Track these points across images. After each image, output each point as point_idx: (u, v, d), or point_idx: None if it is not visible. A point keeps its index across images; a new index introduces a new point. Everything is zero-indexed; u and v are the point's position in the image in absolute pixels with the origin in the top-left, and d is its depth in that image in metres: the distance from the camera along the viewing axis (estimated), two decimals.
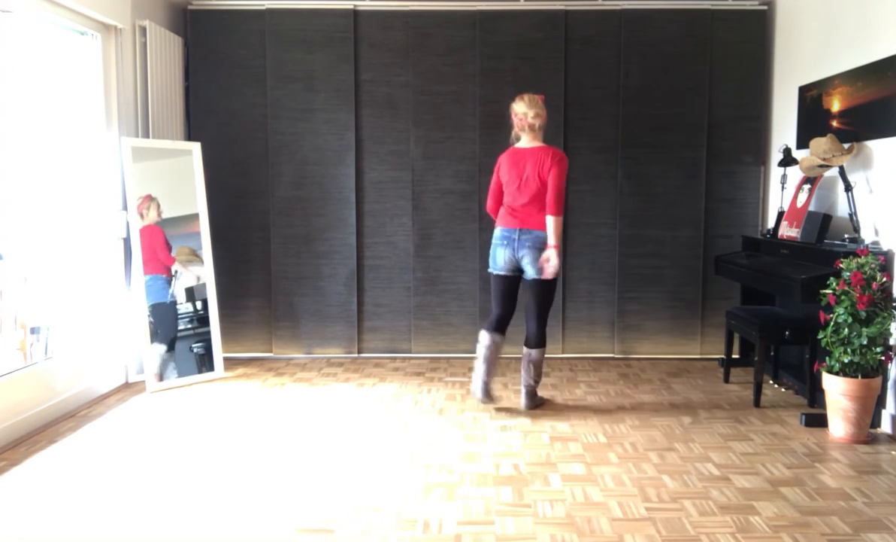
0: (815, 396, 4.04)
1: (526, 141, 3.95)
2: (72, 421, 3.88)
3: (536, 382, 4.09)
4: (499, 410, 4.08)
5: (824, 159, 4.03)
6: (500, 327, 4.05)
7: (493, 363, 4.03)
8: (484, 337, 4.02)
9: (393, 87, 5.18)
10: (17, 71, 3.74)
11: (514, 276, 4.03)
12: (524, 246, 3.90)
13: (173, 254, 4.62)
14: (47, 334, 3.98)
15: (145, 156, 4.55)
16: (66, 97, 4.19)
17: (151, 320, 4.50)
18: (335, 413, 4.02)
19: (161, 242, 4.56)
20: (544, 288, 3.96)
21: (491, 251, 4.04)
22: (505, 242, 3.95)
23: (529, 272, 3.94)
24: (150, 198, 4.51)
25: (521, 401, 4.14)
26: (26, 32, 3.78)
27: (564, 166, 3.89)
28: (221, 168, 5.16)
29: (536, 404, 4.13)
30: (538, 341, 4.02)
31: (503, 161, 4.00)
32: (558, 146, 5.12)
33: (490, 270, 4.08)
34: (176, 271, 4.63)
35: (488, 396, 4.02)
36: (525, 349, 4.06)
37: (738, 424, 3.85)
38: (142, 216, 4.50)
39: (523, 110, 3.91)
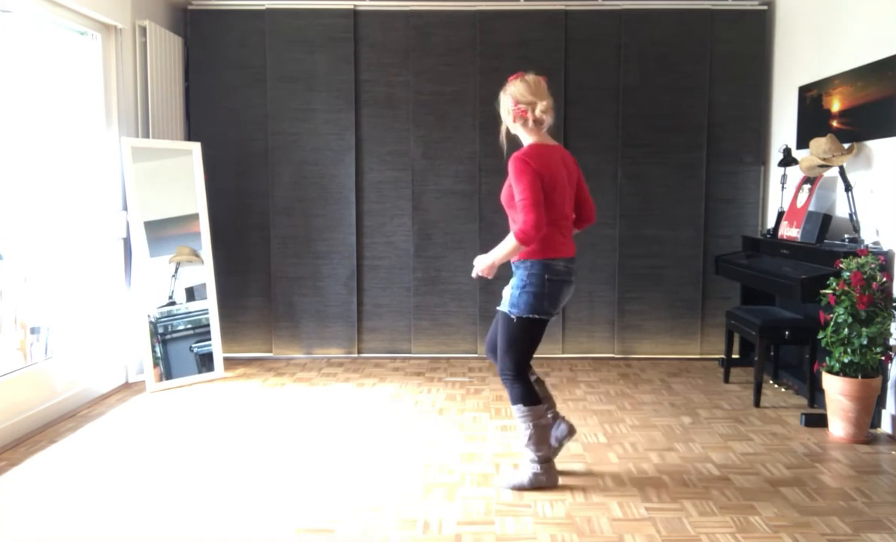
0: (815, 396, 4.04)
1: (545, 136, 2.97)
2: (72, 421, 3.88)
3: (530, 450, 2.98)
4: (498, 410, 4.08)
5: (824, 159, 4.03)
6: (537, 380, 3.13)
7: (552, 406, 3.13)
8: (536, 411, 2.97)
9: (393, 87, 5.18)
10: (17, 71, 3.74)
11: None
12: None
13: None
14: (47, 334, 3.98)
15: (145, 156, 4.55)
16: (66, 97, 4.19)
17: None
18: (335, 413, 4.02)
19: None
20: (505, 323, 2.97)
21: (544, 291, 2.86)
22: (573, 277, 2.97)
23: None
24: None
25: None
26: (26, 32, 3.78)
27: None
28: (221, 168, 5.16)
29: (522, 486, 2.99)
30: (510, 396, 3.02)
31: (548, 162, 2.84)
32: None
33: (538, 315, 2.89)
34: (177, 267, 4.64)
35: (569, 434, 3.09)
36: None
37: (738, 424, 3.85)
38: None
39: (544, 103, 2.92)
